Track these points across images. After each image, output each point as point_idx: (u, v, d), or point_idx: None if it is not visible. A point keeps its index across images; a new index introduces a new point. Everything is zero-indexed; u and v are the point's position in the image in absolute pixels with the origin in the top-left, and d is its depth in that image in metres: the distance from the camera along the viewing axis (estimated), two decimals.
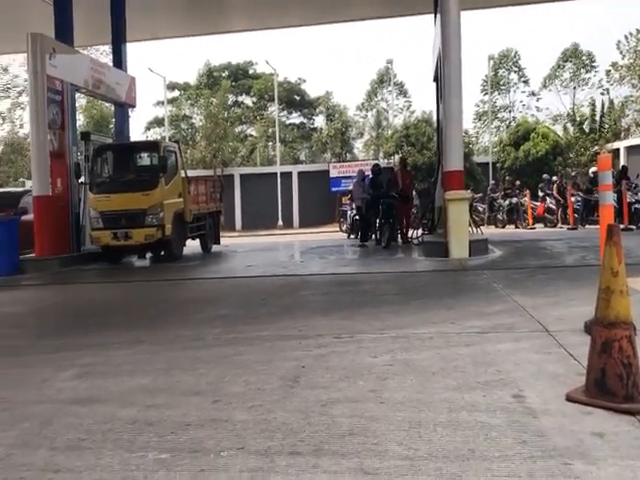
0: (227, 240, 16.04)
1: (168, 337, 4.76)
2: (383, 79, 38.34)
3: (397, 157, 26.74)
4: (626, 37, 33.02)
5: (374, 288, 6.85)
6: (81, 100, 30.45)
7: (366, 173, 14.71)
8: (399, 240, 13.31)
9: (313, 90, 46.87)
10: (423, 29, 21.23)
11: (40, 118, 11.90)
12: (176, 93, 38.55)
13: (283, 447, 2.48)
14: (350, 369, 3.52)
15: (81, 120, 32.30)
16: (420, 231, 13.14)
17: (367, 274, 8.24)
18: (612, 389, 2.66)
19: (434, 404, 2.87)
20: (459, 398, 2.92)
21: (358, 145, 39.07)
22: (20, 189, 16.93)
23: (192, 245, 13.21)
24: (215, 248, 14.06)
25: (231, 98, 38.49)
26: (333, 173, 27.00)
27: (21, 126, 34.71)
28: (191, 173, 14.29)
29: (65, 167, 12.43)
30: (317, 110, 40.07)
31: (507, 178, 23.15)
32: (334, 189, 26.42)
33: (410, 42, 57.18)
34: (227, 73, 39.44)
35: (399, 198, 13.00)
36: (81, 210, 12.75)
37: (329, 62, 60.34)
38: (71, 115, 13.02)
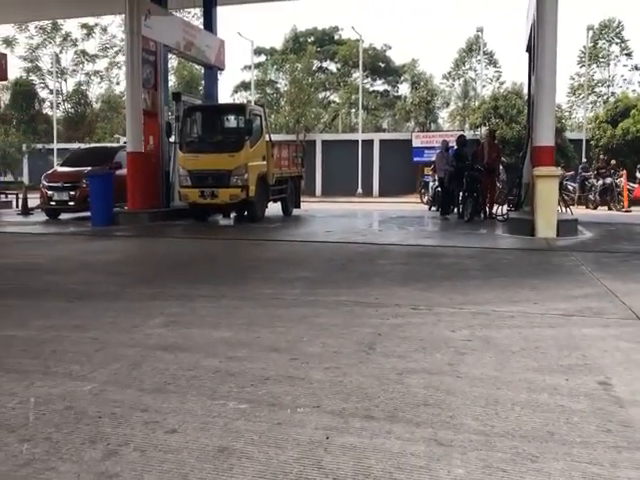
0: (307, 205, 16.20)
1: (250, 294, 4.90)
2: (472, 48, 36.86)
3: (484, 129, 25.84)
4: None
5: (455, 262, 6.72)
6: (172, 61, 31.40)
7: (450, 144, 14.31)
8: (482, 215, 12.94)
9: (398, 57, 45.90)
10: None
11: (135, 77, 12.37)
12: (262, 58, 38.88)
13: (357, 410, 2.51)
14: (427, 341, 3.49)
15: (172, 81, 33.34)
16: (505, 207, 12.71)
17: (448, 247, 8.09)
18: None
19: (513, 383, 2.80)
20: (540, 379, 2.83)
21: (443, 115, 38.03)
22: (115, 145, 17.75)
23: (273, 208, 13.43)
24: (295, 212, 14.24)
25: (316, 63, 38.35)
26: (416, 143, 26.48)
27: (117, 84, 36.32)
28: (275, 137, 14.45)
29: (157, 126, 12.91)
30: (402, 78, 39.18)
31: (601, 157, 21.86)
32: (416, 159, 25.94)
33: (502, 10, 54.55)
34: (313, 38, 39.25)
35: (484, 171, 12.59)
36: (171, 168, 13.25)
37: (416, 29, 58.71)
38: (163, 75, 13.46)
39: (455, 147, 13.35)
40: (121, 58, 33.06)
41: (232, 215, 13.07)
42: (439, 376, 2.90)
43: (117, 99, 35.17)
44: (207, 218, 12.65)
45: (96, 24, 35.50)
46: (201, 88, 26.03)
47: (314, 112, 33.90)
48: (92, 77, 36.92)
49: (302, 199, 15.22)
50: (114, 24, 34.59)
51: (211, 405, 2.56)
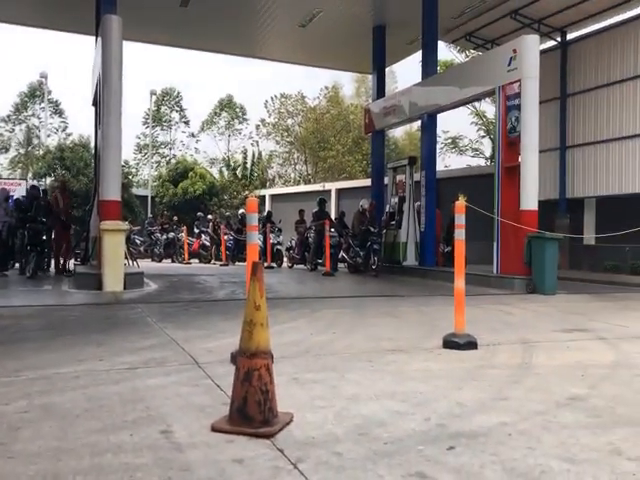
0: None
1: None
2: (35, 93, 35.24)
3: (49, 179, 24.75)
4: (272, 98, 37.85)
5: (12, 324, 6.05)
6: None
7: (11, 193, 13.13)
8: (52, 270, 12.25)
9: None
10: (85, 48, 20.39)
11: None
12: None
13: None
14: None
15: None
16: (72, 261, 12.31)
17: (4, 308, 7.23)
18: (252, 415, 2.86)
19: (76, 450, 2.62)
20: (104, 440, 2.74)
21: (2, 161, 34.83)
22: None
23: None
24: None
25: None
26: None
27: None
28: None
29: None
30: None
31: (165, 213, 23.66)
32: None
33: (70, 59, 54.13)
34: None
35: (60, 224, 12.09)
36: None
37: None
38: None
39: (17, 197, 12.34)
40: None
41: None
42: None
43: None
44: None
45: None
46: None
47: None
48: None
49: None
50: None
51: None
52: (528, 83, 10.89)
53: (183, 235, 19.93)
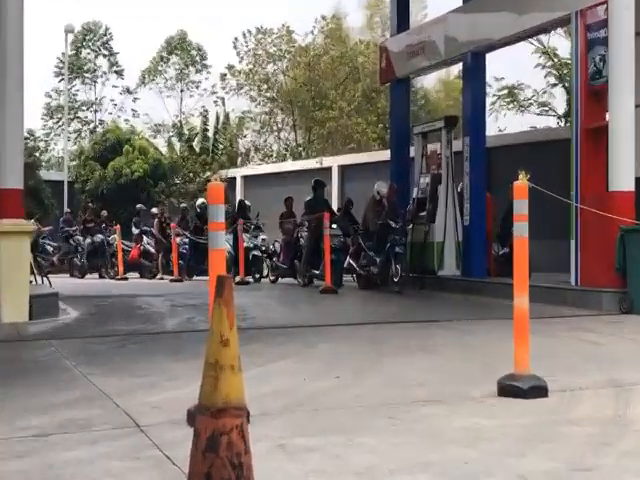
0: None
1: None
2: None
3: None
4: (244, 35, 37.41)
5: None
6: None
7: None
8: None
9: None
10: None
11: None
12: None
13: None
14: None
15: None
16: None
17: None
18: None
19: None
20: None
21: None
22: None
23: None
24: None
25: None
26: None
27: None
28: None
29: None
30: None
31: (90, 205, 23.57)
32: None
33: None
34: None
35: None
36: None
37: None
38: None
39: None
40: None
41: None
42: None
43: None
44: None
45: None
46: None
47: None
48: None
49: None
50: None
51: None
52: (618, 5, 10.92)
53: (116, 238, 19.89)
